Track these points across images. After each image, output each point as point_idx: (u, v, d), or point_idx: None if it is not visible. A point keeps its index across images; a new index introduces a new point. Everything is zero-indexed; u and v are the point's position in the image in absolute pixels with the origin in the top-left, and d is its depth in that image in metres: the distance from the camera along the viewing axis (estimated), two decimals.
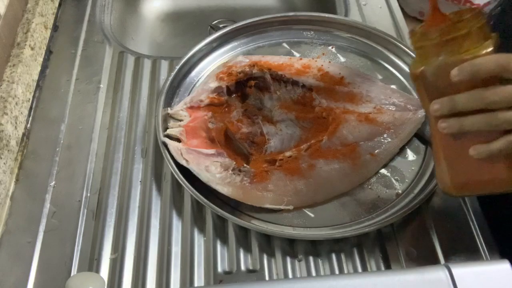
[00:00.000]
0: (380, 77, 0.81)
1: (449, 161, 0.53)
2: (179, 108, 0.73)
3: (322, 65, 0.80)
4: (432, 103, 0.50)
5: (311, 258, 0.62)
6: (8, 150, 0.67)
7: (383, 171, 0.70)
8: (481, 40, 0.49)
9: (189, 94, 0.77)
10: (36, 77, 0.80)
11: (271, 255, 0.62)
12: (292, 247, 0.62)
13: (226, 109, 0.75)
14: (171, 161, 0.66)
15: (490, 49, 0.48)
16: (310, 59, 0.82)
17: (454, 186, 0.54)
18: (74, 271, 0.60)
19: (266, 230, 0.62)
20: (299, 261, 0.61)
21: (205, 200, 0.62)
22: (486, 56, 0.48)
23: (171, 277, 0.60)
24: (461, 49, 0.49)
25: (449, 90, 0.49)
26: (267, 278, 0.60)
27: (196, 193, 0.63)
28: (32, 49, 0.79)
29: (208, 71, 0.81)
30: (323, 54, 0.84)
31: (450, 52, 0.49)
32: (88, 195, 0.67)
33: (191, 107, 0.73)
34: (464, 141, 0.51)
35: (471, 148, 0.50)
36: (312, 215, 0.65)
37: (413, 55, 0.79)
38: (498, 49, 0.50)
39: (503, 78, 0.48)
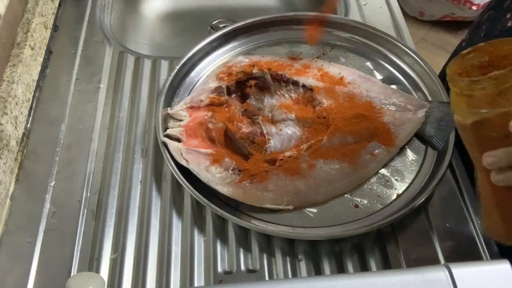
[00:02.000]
0: (380, 77, 0.81)
1: (504, 212, 0.50)
2: (179, 108, 0.73)
3: (322, 65, 0.80)
4: (485, 155, 0.47)
5: (311, 258, 0.62)
6: (8, 150, 0.67)
7: (383, 171, 0.70)
8: None
9: (189, 94, 0.77)
10: (36, 77, 0.80)
11: (271, 255, 0.62)
12: (292, 247, 0.62)
13: (226, 109, 0.75)
14: (171, 161, 0.66)
15: None
16: (310, 59, 0.82)
17: (507, 236, 0.51)
18: (74, 271, 0.60)
19: (266, 230, 0.62)
20: (299, 261, 0.61)
21: (205, 200, 0.62)
22: None
23: (171, 277, 0.60)
24: None
25: (505, 141, 0.46)
26: (267, 278, 0.60)
27: (196, 193, 0.63)
28: (32, 49, 0.79)
29: (208, 71, 0.81)
30: (323, 54, 0.84)
31: (507, 101, 0.44)
32: (88, 195, 0.67)
33: (191, 107, 0.73)
34: None
35: None
36: (312, 215, 0.65)
37: (413, 55, 0.79)
38: None
39: None
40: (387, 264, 0.61)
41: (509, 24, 0.68)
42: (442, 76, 0.86)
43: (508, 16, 0.68)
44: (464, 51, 0.50)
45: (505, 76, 0.44)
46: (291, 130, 0.72)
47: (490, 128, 0.46)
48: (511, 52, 0.46)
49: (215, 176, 0.66)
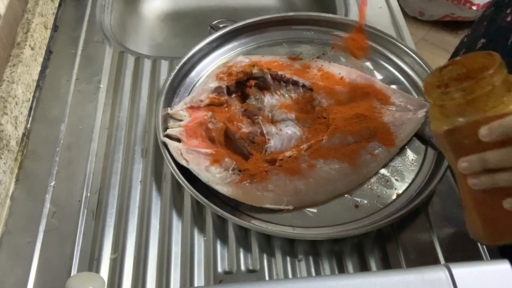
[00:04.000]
0: (380, 77, 0.81)
1: (481, 213, 0.52)
2: (179, 108, 0.73)
3: (322, 65, 0.80)
4: (460, 161, 0.49)
5: (311, 258, 0.62)
6: (8, 150, 0.67)
7: (383, 171, 0.70)
8: (505, 94, 0.47)
9: (189, 94, 0.77)
10: (36, 77, 0.80)
11: (271, 255, 0.62)
12: (292, 247, 0.62)
13: (226, 109, 0.75)
14: (171, 161, 0.66)
15: None
16: (310, 59, 0.82)
17: (487, 236, 0.53)
18: (74, 271, 0.60)
19: (266, 230, 0.62)
20: (299, 261, 0.61)
21: (205, 200, 0.62)
22: None
23: (171, 277, 0.60)
24: (487, 106, 0.46)
25: (477, 147, 0.48)
26: (267, 278, 0.60)
27: (196, 193, 0.63)
28: (32, 49, 0.79)
29: (208, 71, 0.81)
30: (323, 54, 0.84)
31: (476, 110, 0.47)
32: (88, 195, 0.67)
33: (191, 107, 0.73)
34: (496, 194, 0.49)
35: (505, 201, 0.48)
36: (312, 215, 0.65)
37: (413, 55, 0.79)
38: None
39: None
40: (387, 264, 0.61)
41: (508, 19, 0.68)
42: None
43: (508, 11, 0.68)
44: (442, 65, 0.52)
45: (472, 87, 0.46)
46: (291, 130, 0.72)
47: (462, 135, 0.48)
48: (485, 64, 0.48)
49: (215, 176, 0.66)
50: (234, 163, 0.67)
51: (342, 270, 0.61)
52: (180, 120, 0.72)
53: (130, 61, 0.84)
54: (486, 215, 0.52)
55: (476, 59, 0.50)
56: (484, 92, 0.46)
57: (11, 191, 0.67)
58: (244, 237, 0.63)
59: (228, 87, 0.76)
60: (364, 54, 0.81)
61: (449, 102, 0.48)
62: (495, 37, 0.69)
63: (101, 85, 0.80)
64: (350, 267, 0.61)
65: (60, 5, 0.94)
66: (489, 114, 0.46)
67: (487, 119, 0.46)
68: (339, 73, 0.78)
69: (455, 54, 0.85)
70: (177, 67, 0.77)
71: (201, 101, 0.74)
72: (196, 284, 0.59)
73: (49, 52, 0.85)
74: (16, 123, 0.71)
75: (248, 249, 0.62)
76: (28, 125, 0.75)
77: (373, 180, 0.69)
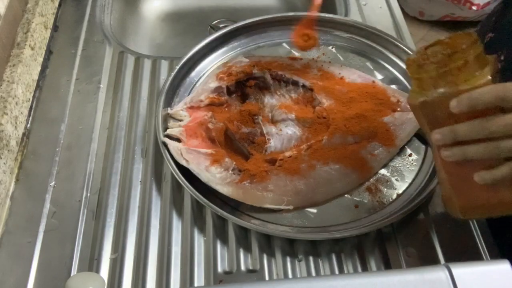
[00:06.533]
0: (380, 77, 0.81)
1: (455, 187, 0.53)
2: (179, 108, 0.73)
3: (322, 65, 0.80)
4: (433, 132, 0.50)
5: (311, 258, 0.62)
6: (8, 150, 0.67)
7: (383, 171, 0.70)
8: (478, 69, 0.48)
9: (189, 94, 0.77)
10: (36, 77, 0.80)
11: (271, 255, 0.62)
12: (292, 247, 0.63)
13: (226, 109, 0.75)
14: (171, 161, 0.66)
15: (488, 77, 0.48)
16: (310, 59, 0.82)
17: (461, 210, 0.54)
18: (74, 271, 0.60)
19: (266, 230, 0.62)
20: (299, 261, 0.61)
21: (205, 200, 0.62)
22: (484, 88, 0.47)
23: (171, 277, 0.60)
24: (459, 80, 0.48)
25: (450, 120, 0.49)
26: (267, 278, 0.60)
27: (196, 193, 0.63)
28: (32, 49, 0.79)
29: (208, 71, 0.81)
30: (323, 54, 0.84)
31: (448, 83, 0.49)
32: (88, 195, 0.67)
33: (191, 107, 0.73)
34: (468, 167, 0.50)
35: (475, 174, 0.50)
36: (312, 215, 0.65)
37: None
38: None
39: (502, 107, 0.47)
40: (387, 264, 0.61)
41: None
42: None
43: None
44: (427, 44, 0.53)
45: (445, 61, 0.48)
46: (291, 130, 0.72)
47: (435, 108, 0.50)
48: (468, 45, 0.49)
49: (215, 176, 0.66)
50: (234, 163, 0.67)
51: (342, 270, 0.61)
52: (180, 120, 0.72)
53: (130, 61, 0.84)
54: (459, 188, 0.53)
55: (459, 39, 0.51)
56: (456, 65, 0.48)
57: (11, 191, 0.67)
58: (244, 237, 0.63)
59: (228, 87, 0.76)
60: (313, 44, 0.79)
61: (424, 75, 0.50)
62: (503, 31, 0.69)
63: (101, 85, 0.80)
64: (350, 267, 0.61)
65: (60, 5, 0.94)
66: (460, 88, 0.48)
67: (458, 92, 0.48)
68: (339, 73, 0.78)
69: None
70: (177, 67, 0.78)
71: (201, 101, 0.74)
72: (196, 284, 0.59)
73: (49, 52, 0.85)
74: (16, 123, 0.71)
75: (248, 249, 0.62)
76: (28, 125, 0.75)
77: (373, 180, 0.69)
